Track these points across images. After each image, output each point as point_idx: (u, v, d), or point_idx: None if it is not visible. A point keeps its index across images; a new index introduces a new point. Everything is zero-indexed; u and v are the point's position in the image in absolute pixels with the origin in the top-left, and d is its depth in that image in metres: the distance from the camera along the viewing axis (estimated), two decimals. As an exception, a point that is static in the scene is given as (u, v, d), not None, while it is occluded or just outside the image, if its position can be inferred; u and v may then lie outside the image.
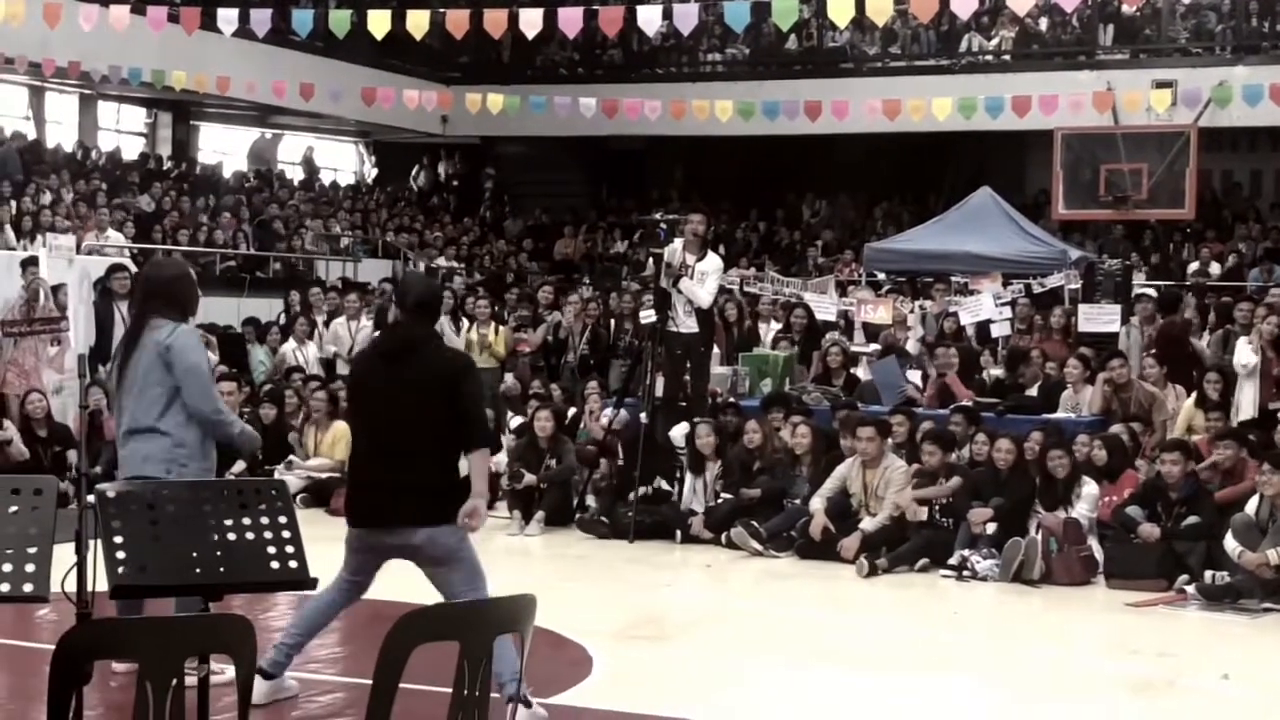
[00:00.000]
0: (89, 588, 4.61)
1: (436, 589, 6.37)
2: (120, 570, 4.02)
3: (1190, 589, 9.64)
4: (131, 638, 3.72)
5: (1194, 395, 12.49)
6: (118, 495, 4.14)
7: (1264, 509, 9.66)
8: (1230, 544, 9.53)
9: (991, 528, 10.49)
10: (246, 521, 4.23)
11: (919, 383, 13.81)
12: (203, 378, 6.89)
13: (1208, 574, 9.73)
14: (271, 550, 4.18)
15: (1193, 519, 10.14)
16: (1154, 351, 13.35)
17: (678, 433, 12.02)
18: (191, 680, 3.90)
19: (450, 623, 3.76)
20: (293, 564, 4.19)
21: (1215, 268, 22.57)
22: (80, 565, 4.59)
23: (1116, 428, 11.49)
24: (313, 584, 4.24)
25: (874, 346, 15.45)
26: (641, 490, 11.74)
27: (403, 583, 6.84)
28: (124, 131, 27.21)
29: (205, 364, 7.03)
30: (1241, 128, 23.03)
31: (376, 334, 6.66)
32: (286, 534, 4.23)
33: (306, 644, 6.72)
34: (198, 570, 4.10)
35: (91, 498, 4.23)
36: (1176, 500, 10.27)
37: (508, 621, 3.93)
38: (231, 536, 4.18)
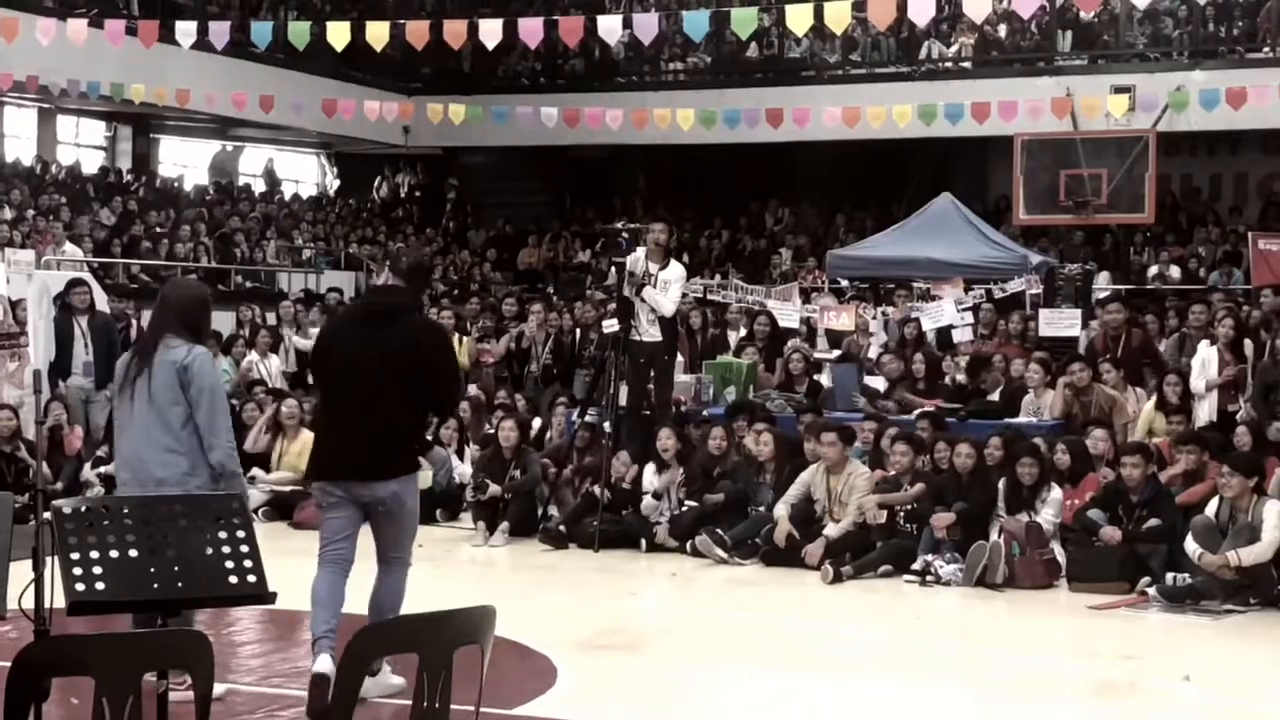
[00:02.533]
0: (47, 604, 4.59)
1: (378, 541, 6.91)
2: (77, 586, 4.00)
3: (1152, 591, 9.69)
4: (88, 654, 3.70)
5: (1154, 398, 12.59)
6: (74, 511, 4.12)
7: (1224, 511, 9.73)
8: (1191, 546, 9.59)
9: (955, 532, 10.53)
10: (205, 536, 4.22)
11: (881, 388, 13.86)
12: (218, 401, 6.90)
13: (1169, 576, 9.78)
14: (230, 565, 4.18)
15: (1154, 521, 10.19)
16: (1110, 356, 13.41)
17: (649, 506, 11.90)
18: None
19: (408, 635, 3.76)
20: (251, 578, 4.19)
21: (1175, 271, 22.72)
22: (38, 582, 4.56)
23: (1099, 433, 11.49)
24: (272, 598, 4.24)
25: (836, 353, 15.50)
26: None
27: (363, 595, 6.83)
28: (83, 145, 27.06)
29: (221, 388, 7.04)
30: (1199, 132, 23.17)
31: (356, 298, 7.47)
32: (245, 548, 4.22)
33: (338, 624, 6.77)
34: (155, 585, 4.09)
35: (48, 514, 4.21)
36: (1137, 503, 10.31)
37: (467, 633, 3.93)
38: (190, 551, 4.16)
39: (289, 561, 7.67)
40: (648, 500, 11.75)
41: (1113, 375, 12.82)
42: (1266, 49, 23.52)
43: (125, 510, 4.22)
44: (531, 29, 16.85)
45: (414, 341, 6.80)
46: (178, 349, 6.86)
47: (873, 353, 15.62)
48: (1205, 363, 12.78)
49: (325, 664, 6.55)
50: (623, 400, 12.18)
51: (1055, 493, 10.63)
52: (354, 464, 6.77)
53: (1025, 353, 14.26)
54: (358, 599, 6.85)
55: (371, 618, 6.68)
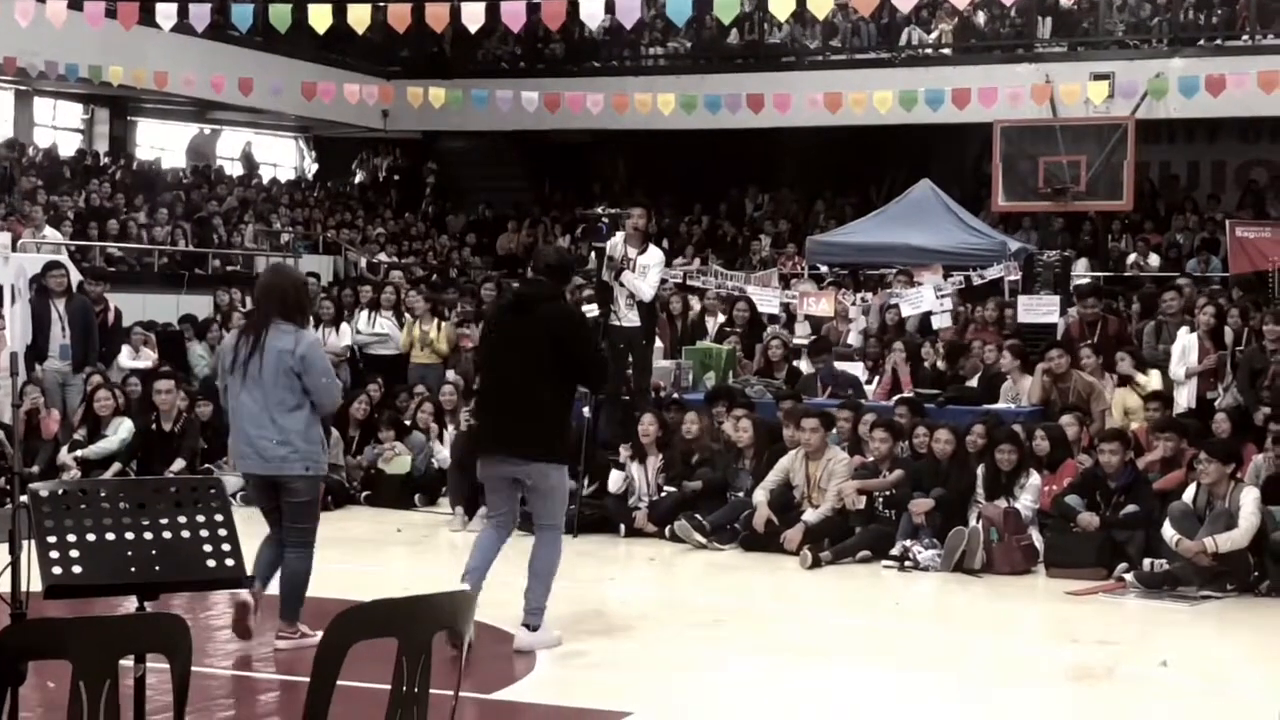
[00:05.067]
0: (23, 588, 4.57)
1: (531, 508, 7.92)
2: (54, 570, 3.98)
3: (1129, 577, 9.73)
4: (65, 637, 3.68)
5: (1118, 377, 12.73)
6: (51, 495, 4.09)
7: (1201, 497, 9.76)
8: (1168, 532, 9.63)
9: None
10: (183, 520, 4.20)
11: (861, 375, 13.88)
12: (334, 385, 7.78)
13: (1146, 562, 9.82)
14: (208, 549, 4.16)
15: (1131, 507, 10.23)
16: (1090, 342, 13.44)
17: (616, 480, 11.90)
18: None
19: (388, 619, 3.74)
20: (229, 562, 4.17)
21: (1154, 259, 22.78)
22: (14, 565, 4.55)
23: (1066, 419, 11.55)
24: (250, 583, 4.22)
25: (813, 338, 15.51)
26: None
27: (341, 579, 6.82)
28: (60, 128, 26.92)
29: (331, 369, 7.90)
30: (1178, 119, 23.24)
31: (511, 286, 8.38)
32: (223, 532, 4.20)
33: (486, 571, 7.73)
34: (133, 569, 4.06)
35: (25, 497, 4.18)
36: (1115, 489, 10.36)
37: (446, 617, 3.91)
38: (167, 535, 4.14)
39: (267, 546, 7.65)
40: (615, 474, 11.71)
41: (1091, 361, 12.86)
42: (1245, 37, 23.57)
43: (102, 494, 4.20)
44: (513, 12, 16.75)
45: (552, 328, 7.51)
46: (288, 335, 7.44)
47: (852, 339, 15.63)
48: (1185, 349, 12.85)
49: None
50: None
51: (1034, 478, 10.66)
52: (499, 442, 7.62)
53: (1002, 339, 14.30)
54: (327, 584, 6.83)
55: (528, 577, 7.67)
